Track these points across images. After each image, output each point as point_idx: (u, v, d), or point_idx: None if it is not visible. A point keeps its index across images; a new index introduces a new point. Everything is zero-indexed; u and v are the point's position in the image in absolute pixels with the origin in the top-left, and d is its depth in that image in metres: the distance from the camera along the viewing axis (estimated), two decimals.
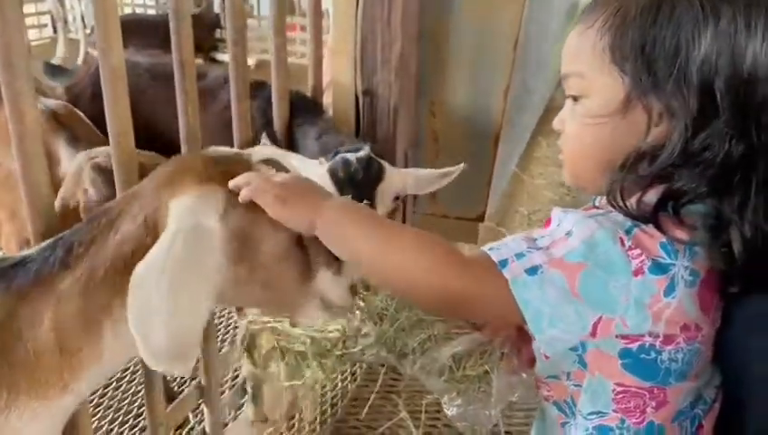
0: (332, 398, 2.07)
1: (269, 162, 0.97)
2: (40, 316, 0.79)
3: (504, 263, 0.71)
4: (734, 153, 0.68)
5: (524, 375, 0.91)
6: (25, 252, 0.86)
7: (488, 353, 0.93)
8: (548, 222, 0.78)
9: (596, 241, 0.70)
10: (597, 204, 0.83)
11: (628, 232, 0.71)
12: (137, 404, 1.95)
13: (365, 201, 1.33)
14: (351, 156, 1.47)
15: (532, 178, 3.34)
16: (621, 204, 0.72)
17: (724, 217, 0.70)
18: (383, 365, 2.07)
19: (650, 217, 0.71)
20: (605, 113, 0.75)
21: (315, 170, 1.46)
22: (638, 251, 0.69)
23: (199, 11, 5.22)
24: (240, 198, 0.82)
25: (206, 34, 4.95)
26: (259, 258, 0.84)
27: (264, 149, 1.52)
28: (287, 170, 1.09)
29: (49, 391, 0.81)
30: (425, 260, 0.75)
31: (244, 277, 0.84)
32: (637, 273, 0.69)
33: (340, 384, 2.12)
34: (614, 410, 0.78)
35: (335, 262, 0.88)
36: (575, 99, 0.79)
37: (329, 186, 1.43)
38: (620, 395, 0.77)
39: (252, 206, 0.82)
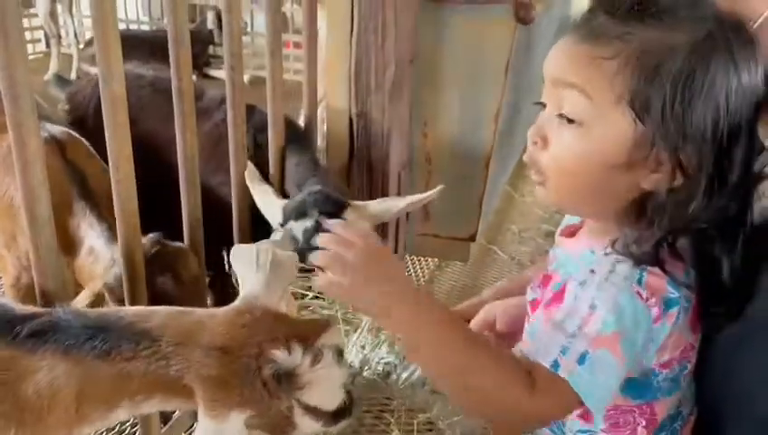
0: None
1: None
2: (62, 383, 0.83)
3: (555, 365, 0.72)
4: (731, 210, 0.72)
5: None
6: (55, 314, 0.87)
7: None
8: (558, 295, 0.78)
9: (622, 307, 0.72)
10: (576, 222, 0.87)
11: (639, 282, 0.73)
12: (130, 422, 1.94)
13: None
14: (299, 228, 1.43)
15: (523, 196, 3.37)
16: (627, 251, 0.74)
17: (708, 253, 0.75)
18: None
19: (653, 258, 0.73)
20: (616, 161, 0.72)
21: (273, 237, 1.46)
22: (654, 299, 0.72)
23: (193, 27, 5.26)
24: (316, 262, 0.77)
25: (199, 51, 4.98)
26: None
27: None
28: None
29: None
30: (502, 386, 0.74)
31: None
32: (656, 320, 0.72)
33: None
34: (602, 430, 0.82)
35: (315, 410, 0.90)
36: (569, 120, 0.73)
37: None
38: (611, 412, 0.81)
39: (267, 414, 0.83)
